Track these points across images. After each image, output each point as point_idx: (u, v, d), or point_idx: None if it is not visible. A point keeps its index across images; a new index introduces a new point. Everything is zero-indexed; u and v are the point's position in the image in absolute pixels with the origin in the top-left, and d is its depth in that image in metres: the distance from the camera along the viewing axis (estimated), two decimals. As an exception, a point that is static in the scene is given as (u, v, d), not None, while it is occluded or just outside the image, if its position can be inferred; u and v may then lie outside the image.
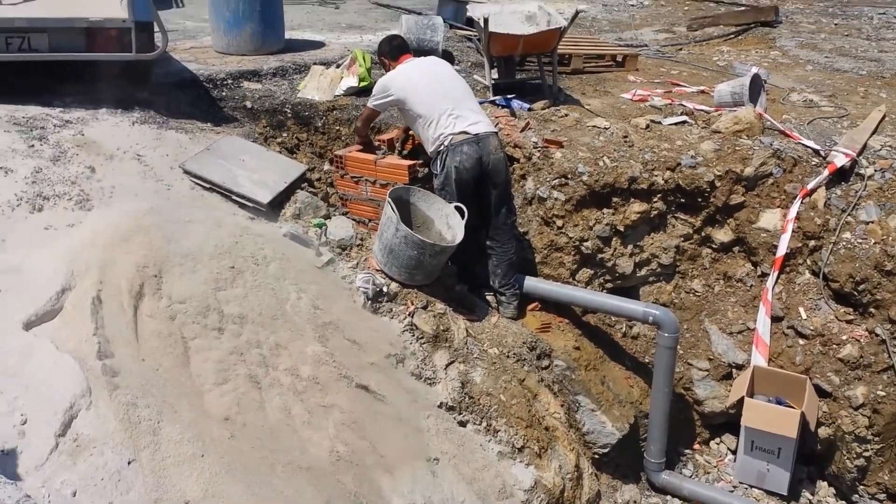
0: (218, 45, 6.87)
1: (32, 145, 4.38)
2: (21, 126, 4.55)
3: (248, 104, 5.91)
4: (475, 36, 7.41)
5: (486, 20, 5.62)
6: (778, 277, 5.28)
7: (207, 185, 4.58)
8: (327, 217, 4.88)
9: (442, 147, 4.61)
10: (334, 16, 9.03)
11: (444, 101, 4.63)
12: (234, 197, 4.57)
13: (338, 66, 6.48)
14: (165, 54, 5.96)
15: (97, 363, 3.08)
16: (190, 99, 5.80)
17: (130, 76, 5.52)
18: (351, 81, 6.21)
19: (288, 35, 7.28)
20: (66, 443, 2.77)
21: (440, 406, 4.09)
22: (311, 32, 7.92)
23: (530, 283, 5.05)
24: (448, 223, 4.67)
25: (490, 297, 5.05)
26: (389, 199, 4.48)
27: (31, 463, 2.67)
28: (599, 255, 5.29)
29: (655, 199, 5.31)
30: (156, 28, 5.07)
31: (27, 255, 3.63)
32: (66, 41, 4.85)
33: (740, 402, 5.00)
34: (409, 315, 4.37)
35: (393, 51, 4.98)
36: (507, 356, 4.60)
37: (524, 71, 6.90)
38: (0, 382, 2.93)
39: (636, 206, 5.26)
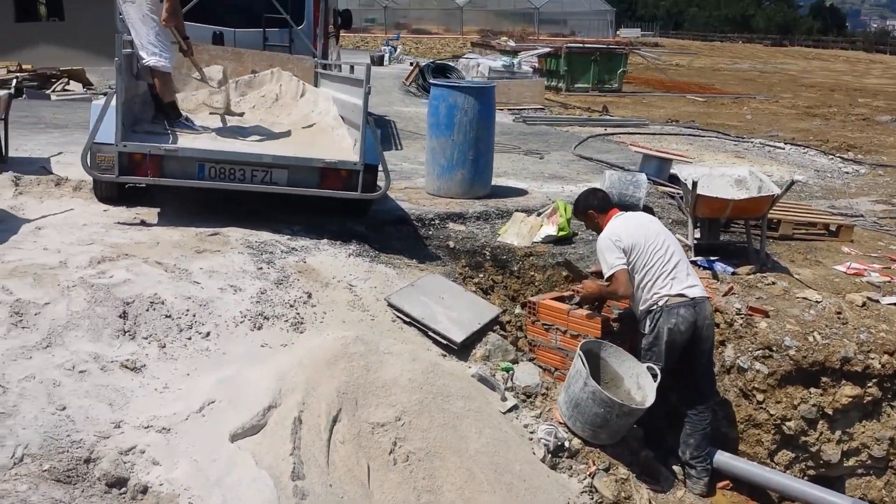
0: (430, 188, 7.35)
1: (261, 268, 4.84)
2: (253, 249, 5.06)
3: (451, 244, 6.21)
4: (678, 194, 7.40)
5: (694, 183, 5.62)
6: None
7: (407, 319, 4.80)
8: (515, 362, 4.93)
9: (655, 307, 4.51)
10: (538, 165, 9.41)
11: (661, 260, 4.54)
12: (430, 332, 4.75)
13: (538, 215, 6.70)
14: (383, 192, 6.46)
15: (290, 483, 3.23)
16: (400, 235, 6.21)
17: (351, 211, 6.04)
18: (550, 230, 6.37)
19: (494, 181, 7.65)
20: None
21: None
22: (515, 180, 8.27)
23: (723, 459, 4.74)
24: (639, 383, 4.55)
25: (677, 469, 4.78)
26: (580, 352, 4.46)
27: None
28: (803, 438, 4.90)
29: (870, 385, 4.89)
30: (380, 169, 5.54)
31: (243, 369, 3.94)
32: (302, 178, 5.41)
33: None
34: (589, 476, 4.23)
35: (601, 204, 4.91)
36: (692, 536, 4.28)
37: (729, 233, 6.76)
38: (204, 489, 3.15)
39: (848, 390, 4.87)
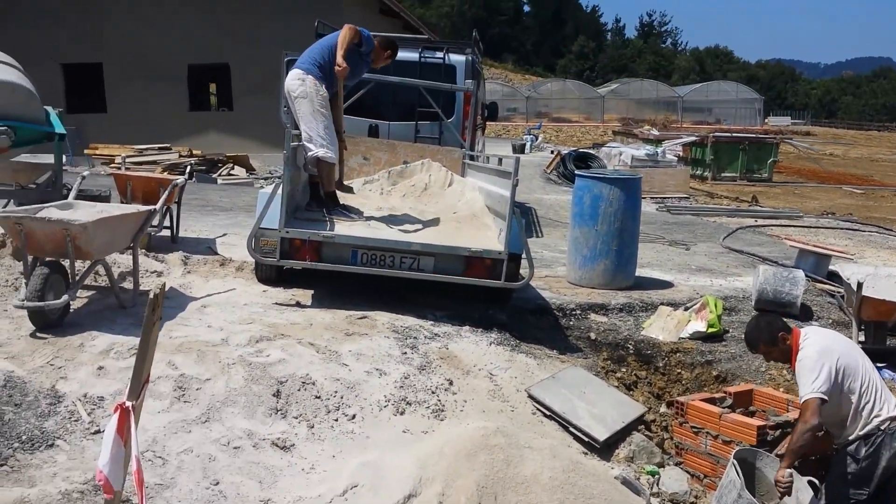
0: (571, 277, 7.31)
1: (405, 353, 4.94)
2: (399, 334, 5.19)
3: (593, 335, 6.11)
4: (839, 293, 6.97)
5: (860, 283, 5.30)
6: None
7: (548, 413, 4.72)
8: (661, 465, 4.71)
9: (878, 431, 3.98)
10: (684, 257, 9.17)
11: (871, 377, 4.03)
12: (571, 428, 4.65)
13: (686, 309, 6.49)
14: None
15: (429, 577, 3.19)
16: (541, 325, 6.18)
17: (493, 299, 6.10)
18: (698, 326, 6.15)
19: (638, 272, 7.51)
20: None
21: None
22: (659, 271, 8.09)
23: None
24: (798, 499, 4.21)
25: None
26: (734, 460, 4.20)
27: None
28: None
29: None
30: (523, 257, 5.58)
31: (385, 454, 3.98)
32: (447, 265, 5.54)
33: None
34: None
35: (778, 325, 4.24)
36: None
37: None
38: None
39: None
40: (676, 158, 18.76)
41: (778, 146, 21.87)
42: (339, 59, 5.69)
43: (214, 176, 15.77)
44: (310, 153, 5.84)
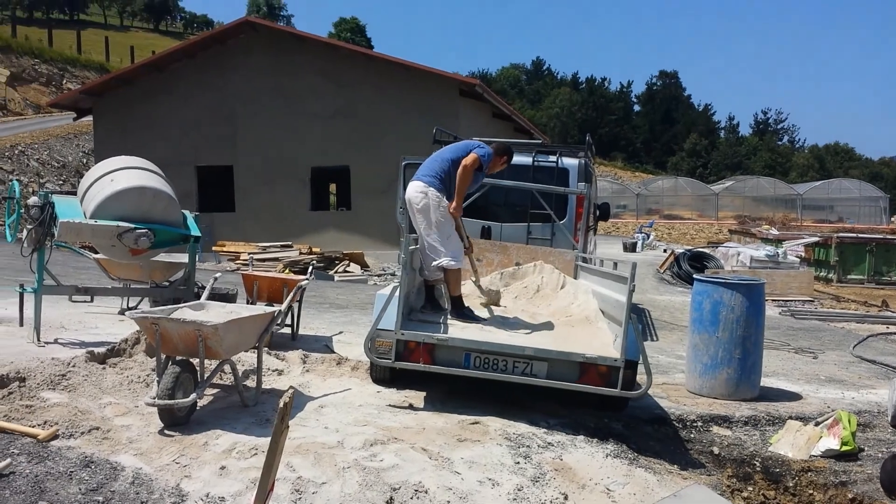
0: (690, 385, 7.04)
1: (518, 462, 4.83)
2: (511, 441, 5.09)
3: (715, 450, 5.81)
4: None
5: None
6: None
7: (669, 534, 4.47)
8: None
9: None
10: (811, 365, 8.68)
11: None
12: (695, 552, 4.37)
13: (816, 424, 6.10)
14: (640, 387, 6.30)
15: None
16: (659, 436, 5.94)
17: (608, 407, 5.94)
18: (831, 443, 5.75)
19: (762, 382, 7.15)
20: None
21: None
22: (786, 382, 7.67)
23: None
24: None
25: None
26: None
27: None
28: None
29: None
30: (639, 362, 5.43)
31: (499, 570, 3.86)
32: (561, 371, 5.45)
33: None
34: None
35: None
36: None
37: None
38: None
39: None
40: (798, 259, 18.02)
41: (909, 247, 20.66)
42: (457, 204, 6.04)
43: (331, 273, 16.33)
44: (434, 263, 6.07)
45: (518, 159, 8.75)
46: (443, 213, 6.03)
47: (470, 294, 7.01)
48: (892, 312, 13.97)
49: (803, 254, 19.98)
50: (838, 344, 10.23)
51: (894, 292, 17.53)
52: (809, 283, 15.93)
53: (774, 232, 25.00)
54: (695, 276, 7.53)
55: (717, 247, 20.70)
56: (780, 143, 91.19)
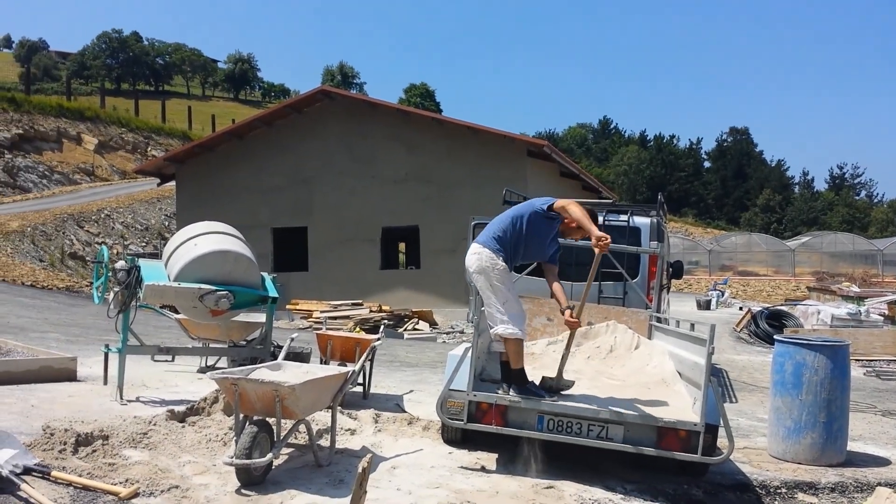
0: (773, 450, 6.77)
1: (595, 529, 4.72)
2: (586, 507, 4.98)
3: (803, 522, 5.56)
4: None
5: None
6: None
7: None
8: None
9: None
10: (903, 429, 8.24)
11: None
12: None
13: (911, 494, 5.76)
14: (721, 452, 6.09)
15: None
16: (741, 503, 5.72)
17: (688, 473, 5.76)
18: (928, 514, 5.42)
19: (848, 446, 6.82)
20: None
21: None
22: (874, 446, 7.30)
23: None
24: None
25: None
26: None
27: None
28: None
29: None
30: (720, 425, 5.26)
31: None
32: (638, 436, 5.33)
33: None
34: None
35: None
36: None
37: None
38: None
39: None
40: (882, 317, 17.25)
41: None
42: (596, 232, 5.37)
43: (401, 331, 16.44)
44: (491, 330, 5.62)
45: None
46: (498, 277, 5.53)
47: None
48: None
49: (887, 311, 19.11)
50: (931, 406, 9.70)
51: None
52: (895, 342, 15.20)
53: (855, 289, 24.09)
54: (776, 336, 7.30)
55: (795, 304, 20.03)
56: (857, 197, 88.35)
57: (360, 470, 2.30)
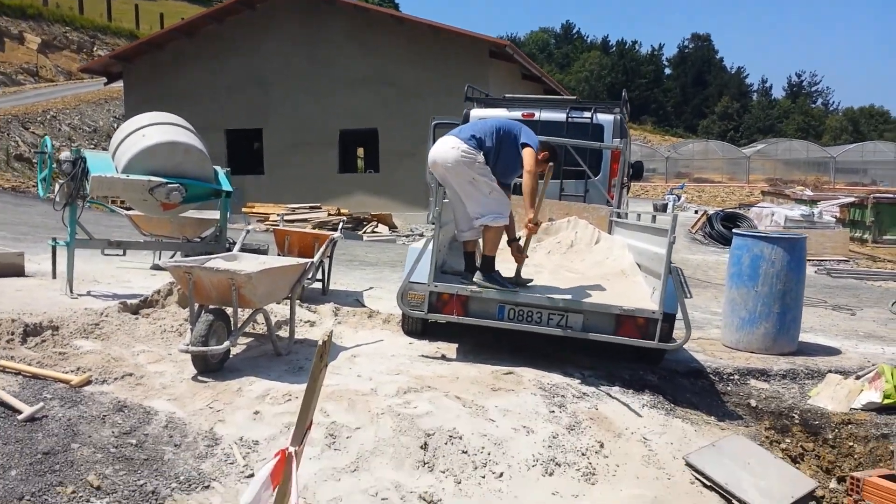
0: (727, 340, 6.92)
1: (553, 411, 4.78)
2: (545, 391, 5.03)
3: (753, 402, 5.73)
4: None
5: None
6: None
7: (708, 483, 4.40)
8: (836, 548, 4.27)
9: None
10: (850, 322, 8.50)
11: None
12: (733, 501, 4.30)
13: (857, 378, 5.96)
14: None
15: None
16: (695, 389, 5.85)
17: (644, 360, 5.86)
18: (873, 396, 5.62)
19: (800, 338, 7.00)
20: None
21: None
22: (824, 337, 7.52)
23: None
24: None
25: None
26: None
27: None
28: None
29: None
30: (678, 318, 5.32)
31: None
32: (597, 324, 5.37)
33: None
34: None
35: None
36: None
37: None
38: None
39: None
40: (834, 220, 17.65)
41: (949, 209, 20.13)
42: (532, 216, 5.41)
43: (360, 233, 16.32)
44: (478, 222, 5.49)
45: (551, 115, 8.59)
46: (480, 169, 5.39)
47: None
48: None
49: (838, 214, 19.58)
50: (876, 301, 10.02)
51: (933, 253, 17.12)
52: (845, 243, 15.62)
53: (809, 193, 24.52)
54: (734, 230, 7.37)
55: (749, 208, 20.34)
56: (813, 105, 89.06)
57: (320, 342, 2.22)
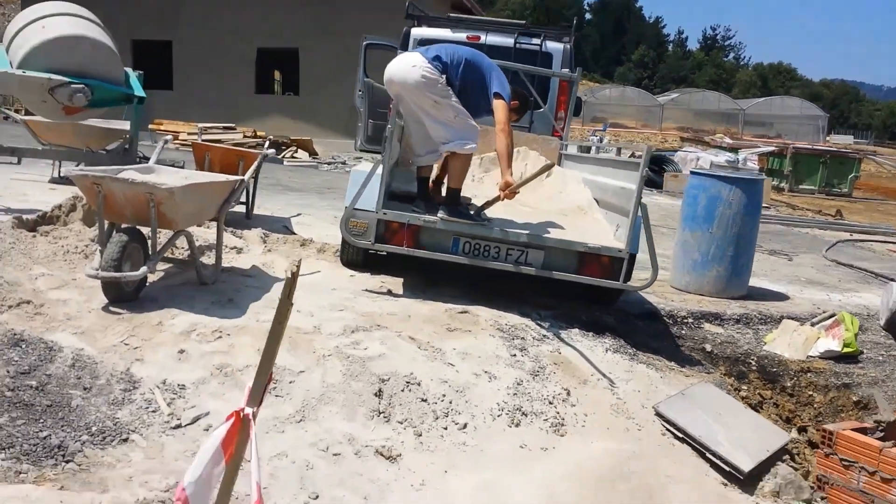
0: (676, 282, 6.66)
1: (514, 354, 4.35)
2: (504, 333, 4.59)
3: (708, 347, 5.50)
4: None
5: None
6: None
7: (680, 435, 4.09)
8: (810, 502, 4.05)
9: None
10: (789, 268, 8.43)
11: None
12: (707, 454, 4.01)
13: (813, 324, 5.81)
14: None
15: None
16: (651, 332, 5.57)
17: (597, 300, 5.52)
18: (831, 344, 5.46)
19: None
20: None
21: None
22: (768, 282, 7.38)
23: None
24: None
25: None
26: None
27: None
28: None
29: None
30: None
31: (504, 474, 3.41)
32: (558, 261, 4.94)
33: None
34: None
35: None
36: None
37: None
38: None
39: None
40: (757, 168, 17.88)
41: (860, 162, 20.79)
42: (508, 180, 4.84)
43: (279, 157, 15.41)
44: (443, 147, 4.92)
45: (498, 39, 7.99)
46: (442, 91, 4.77)
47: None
48: (848, 221, 13.97)
49: (757, 163, 19.89)
50: (808, 248, 10.07)
51: (845, 203, 17.63)
52: (767, 191, 15.81)
53: (728, 141, 24.87)
54: (692, 170, 7.05)
55: (674, 153, 20.41)
56: (725, 59, 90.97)
57: (288, 275, 1.66)
